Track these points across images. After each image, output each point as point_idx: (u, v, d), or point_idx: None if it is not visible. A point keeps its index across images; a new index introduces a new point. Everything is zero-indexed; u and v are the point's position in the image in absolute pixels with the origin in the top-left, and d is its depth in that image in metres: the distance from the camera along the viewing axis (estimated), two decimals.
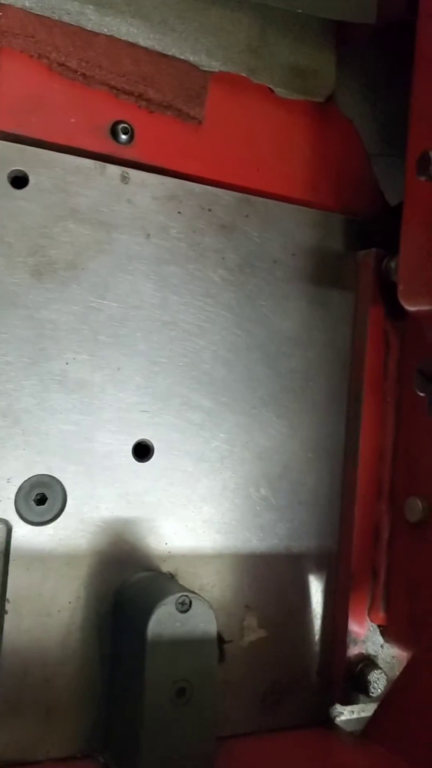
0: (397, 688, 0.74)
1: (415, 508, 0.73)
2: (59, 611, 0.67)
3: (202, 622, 0.63)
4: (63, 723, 0.66)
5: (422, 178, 0.60)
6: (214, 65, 0.73)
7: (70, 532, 0.67)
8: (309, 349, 0.78)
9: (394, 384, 0.79)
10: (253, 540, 0.75)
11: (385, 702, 0.75)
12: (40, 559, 0.66)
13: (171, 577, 0.71)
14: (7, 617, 0.65)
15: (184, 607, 0.63)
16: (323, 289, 0.79)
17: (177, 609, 0.62)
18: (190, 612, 0.63)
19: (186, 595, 0.63)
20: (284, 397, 0.77)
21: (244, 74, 0.75)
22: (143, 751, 0.60)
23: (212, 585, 0.73)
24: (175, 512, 0.72)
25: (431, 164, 0.59)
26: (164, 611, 0.62)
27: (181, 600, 0.63)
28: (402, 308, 0.76)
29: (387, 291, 0.78)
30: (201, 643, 0.63)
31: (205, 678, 0.63)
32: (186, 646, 0.62)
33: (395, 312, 0.78)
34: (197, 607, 0.63)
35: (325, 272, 0.80)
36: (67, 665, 0.67)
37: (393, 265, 0.77)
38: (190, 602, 0.63)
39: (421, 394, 0.62)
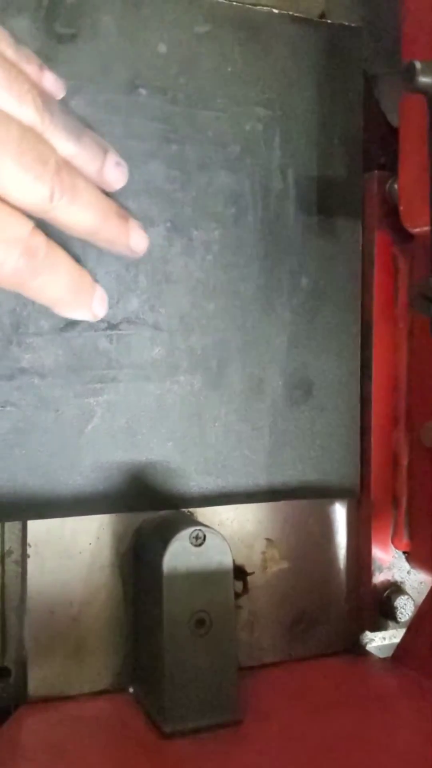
0: (423, 611, 0.74)
1: (430, 432, 0.73)
2: (80, 553, 0.68)
3: (218, 554, 0.64)
4: (92, 659, 0.69)
5: (408, 91, 0.57)
6: None
7: None
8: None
9: (405, 309, 0.77)
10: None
11: (413, 626, 0.75)
12: None
13: (189, 514, 0.72)
14: (29, 560, 0.67)
15: (199, 540, 0.64)
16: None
17: (191, 543, 0.63)
18: (205, 545, 0.64)
19: (200, 529, 0.64)
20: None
21: None
22: (166, 681, 0.62)
23: (231, 520, 0.74)
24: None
25: (416, 75, 0.56)
26: (179, 546, 0.63)
27: (195, 534, 0.63)
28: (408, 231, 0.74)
29: (393, 214, 0.76)
30: (217, 575, 0.64)
31: (223, 608, 0.64)
32: (202, 578, 0.63)
33: (403, 235, 0.76)
34: (211, 540, 0.64)
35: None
36: (93, 604, 0.69)
37: (396, 186, 0.75)
38: (204, 536, 0.64)
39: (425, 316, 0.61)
